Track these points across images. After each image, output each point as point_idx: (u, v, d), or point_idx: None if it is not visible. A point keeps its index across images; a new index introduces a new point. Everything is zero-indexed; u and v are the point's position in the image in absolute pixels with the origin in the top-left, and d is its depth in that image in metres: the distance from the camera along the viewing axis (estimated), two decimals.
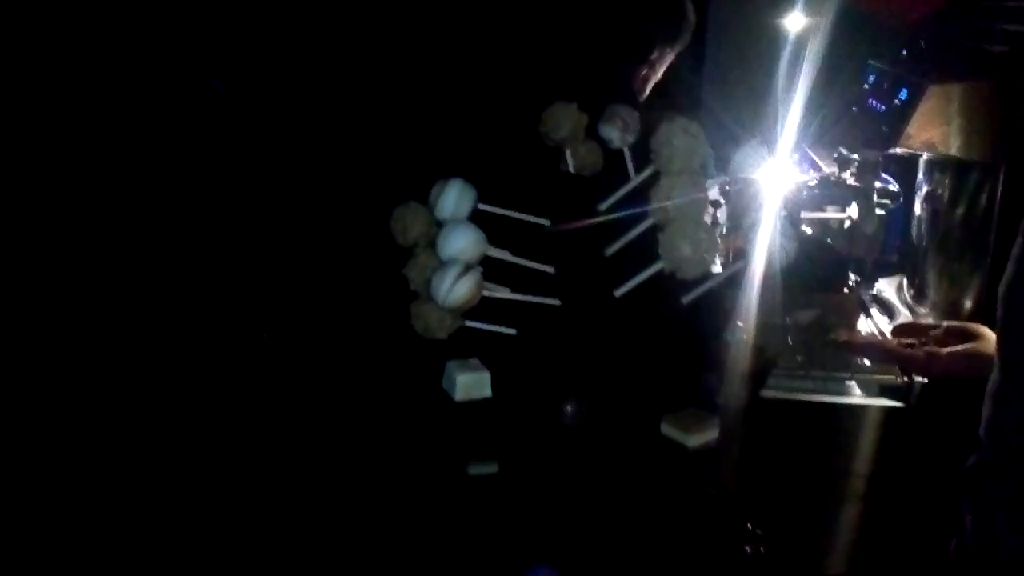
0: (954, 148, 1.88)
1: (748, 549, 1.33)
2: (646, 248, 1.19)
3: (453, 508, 1.36)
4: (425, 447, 1.34)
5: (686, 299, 1.20)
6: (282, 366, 1.39)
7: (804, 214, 1.99)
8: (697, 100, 2.41)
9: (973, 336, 1.62)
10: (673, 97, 1.72)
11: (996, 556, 1.24)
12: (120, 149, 1.34)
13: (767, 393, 1.82)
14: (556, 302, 1.23)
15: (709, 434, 1.24)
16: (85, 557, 1.38)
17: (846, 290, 2.04)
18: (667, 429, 1.26)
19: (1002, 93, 1.80)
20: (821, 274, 2.01)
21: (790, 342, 1.91)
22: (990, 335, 1.58)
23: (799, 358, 1.87)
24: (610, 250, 1.22)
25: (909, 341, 1.69)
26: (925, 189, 2.03)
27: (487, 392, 1.25)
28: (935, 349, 1.64)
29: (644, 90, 1.75)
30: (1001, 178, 1.85)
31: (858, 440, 1.82)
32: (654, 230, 1.17)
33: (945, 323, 1.75)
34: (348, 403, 1.37)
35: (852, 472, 1.83)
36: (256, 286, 1.37)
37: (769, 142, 2.10)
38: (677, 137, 1.17)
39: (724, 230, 2.10)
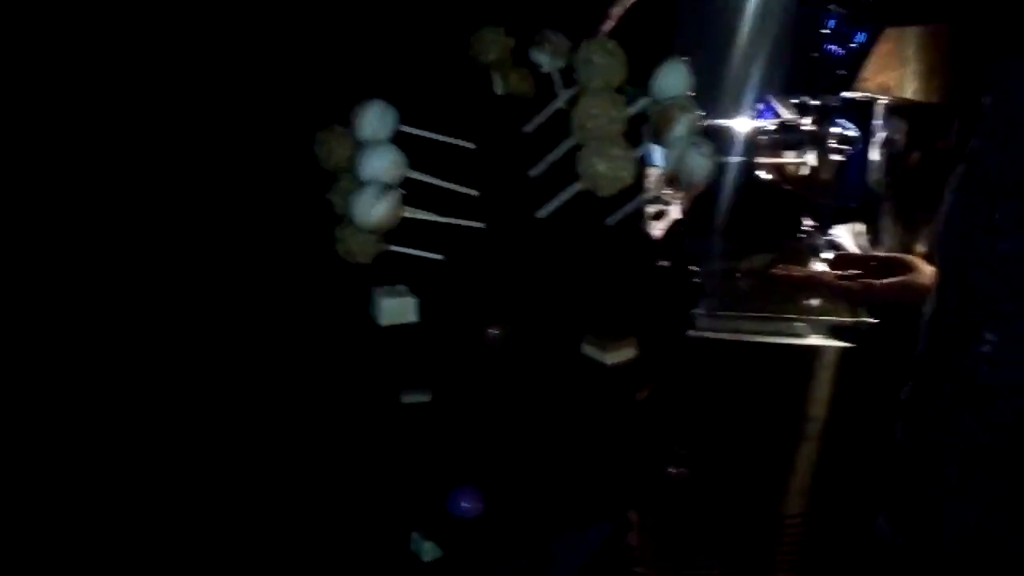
0: (909, 91, 1.88)
1: (673, 471, 1.33)
2: (571, 169, 1.18)
3: (385, 435, 1.35)
4: (355, 374, 1.33)
5: (611, 220, 1.20)
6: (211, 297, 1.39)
7: (761, 160, 1.99)
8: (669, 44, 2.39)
9: (907, 268, 1.64)
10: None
11: (928, 477, 1.24)
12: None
13: (714, 334, 1.83)
14: (480, 225, 1.22)
15: (626, 352, 1.24)
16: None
17: (801, 236, 2.04)
18: (587, 348, 1.26)
19: (957, 36, 1.79)
20: (776, 220, 2.01)
21: (741, 286, 1.92)
22: (924, 267, 1.58)
23: (749, 301, 1.87)
24: (534, 172, 1.21)
25: (846, 273, 1.71)
26: (882, 134, 2.02)
27: (412, 317, 1.24)
28: (870, 280, 1.65)
29: (605, 29, 1.74)
30: (956, 122, 1.84)
31: (807, 380, 1.82)
32: (576, 150, 1.16)
33: (881, 254, 1.76)
34: (275, 330, 1.36)
35: (800, 412, 1.84)
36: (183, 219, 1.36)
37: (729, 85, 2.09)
38: (597, 55, 1.15)
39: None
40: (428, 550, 1.44)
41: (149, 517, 1.41)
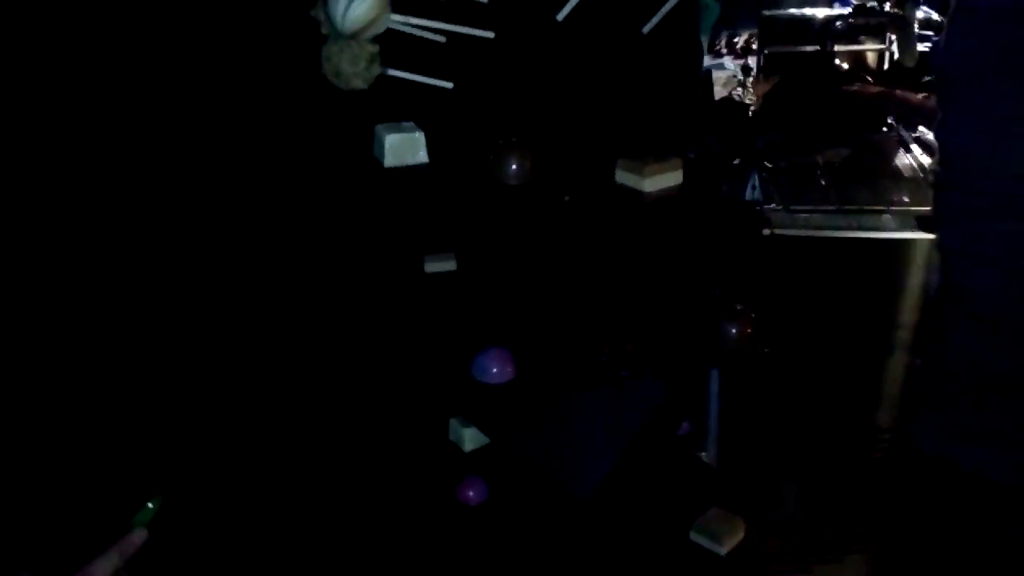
0: None
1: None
2: None
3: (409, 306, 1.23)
4: (365, 237, 1.19)
5: (646, 28, 1.06)
6: None
7: (838, 48, 1.84)
8: None
9: None
10: None
11: None
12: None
13: (793, 231, 1.68)
14: (490, 35, 1.08)
15: (670, 177, 1.07)
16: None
17: (886, 130, 1.87)
18: (621, 175, 1.09)
19: None
20: (855, 113, 1.84)
21: (822, 181, 1.76)
22: None
23: (829, 195, 1.72)
24: None
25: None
26: None
27: (422, 156, 1.10)
28: None
29: None
30: None
31: (895, 274, 1.66)
32: None
33: None
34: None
35: (889, 311, 1.66)
36: None
37: None
38: None
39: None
40: (469, 438, 1.30)
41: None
